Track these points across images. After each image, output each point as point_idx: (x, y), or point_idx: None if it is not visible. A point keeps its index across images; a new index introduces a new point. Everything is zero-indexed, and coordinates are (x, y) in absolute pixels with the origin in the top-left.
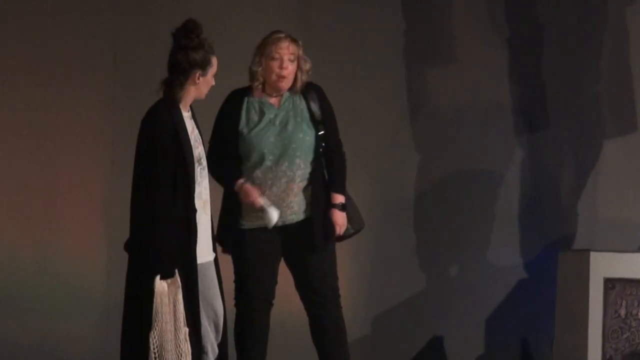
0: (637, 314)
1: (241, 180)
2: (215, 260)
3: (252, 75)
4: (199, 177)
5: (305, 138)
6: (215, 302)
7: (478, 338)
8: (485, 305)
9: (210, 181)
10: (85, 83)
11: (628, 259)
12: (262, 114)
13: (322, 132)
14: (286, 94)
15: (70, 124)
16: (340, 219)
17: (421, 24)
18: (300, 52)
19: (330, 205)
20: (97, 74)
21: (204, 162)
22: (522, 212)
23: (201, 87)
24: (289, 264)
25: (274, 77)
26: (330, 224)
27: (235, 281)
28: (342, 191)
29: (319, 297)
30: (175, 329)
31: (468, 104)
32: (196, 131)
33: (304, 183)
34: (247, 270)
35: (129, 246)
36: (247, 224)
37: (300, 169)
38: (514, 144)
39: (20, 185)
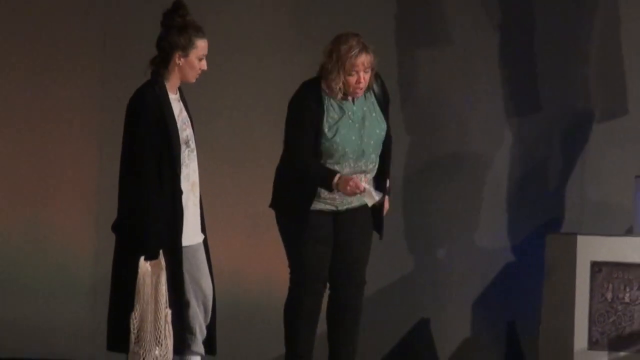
0: (623, 298)
1: (335, 179)
2: (205, 241)
3: (329, 86)
4: (186, 159)
5: (381, 134)
6: (204, 284)
7: (465, 321)
8: (472, 288)
9: (200, 164)
10: (74, 69)
11: (615, 242)
12: (341, 111)
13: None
14: None
15: (58, 107)
16: (387, 204)
17: (411, 7)
18: (373, 58)
19: (383, 190)
20: (85, 60)
21: (193, 145)
22: (510, 195)
23: (185, 69)
24: (335, 244)
25: (351, 89)
26: (381, 209)
27: (291, 261)
28: (389, 178)
29: (351, 280)
30: (156, 311)
31: (457, 88)
32: (184, 113)
33: (373, 174)
34: (307, 253)
35: (116, 227)
36: (312, 206)
37: (374, 163)
38: (503, 128)
39: (10, 168)
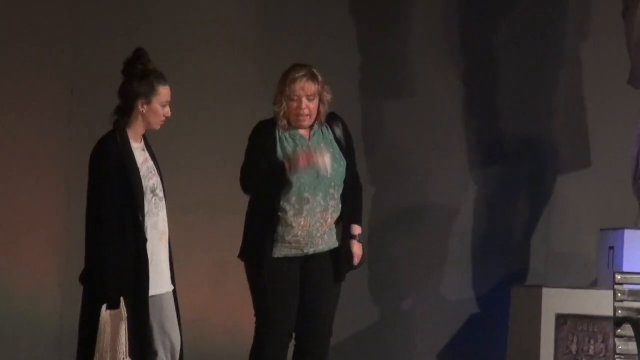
0: (588, 351)
1: (286, 164)
2: (174, 292)
3: (276, 115)
4: (154, 208)
5: (340, 169)
6: (173, 334)
7: None
8: (438, 339)
9: (169, 212)
10: (42, 113)
11: (580, 295)
12: (294, 144)
13: (346, 162)
14: (315, 127)
15: (25, 153)
16: (358, 251)
17: (379, 56)
18: (319, 87)
19: (350, 236)
20: (53, 103)
21: (161, 193)
22: (475, 247)
23: (149, 116)
24: (302, 295)
25: (293, 116)
26: (350, 255)
27: (256, 311)
28: (359, 222)
29: (316, 331)
30: (116, 359)
31: (421, 138)
32: (150, 162)
33: (336, 214)
34: (269, 302)
35: (83, 278)
36: (276, 252)
37: (334, 200)
38: (468, 179)
39: None
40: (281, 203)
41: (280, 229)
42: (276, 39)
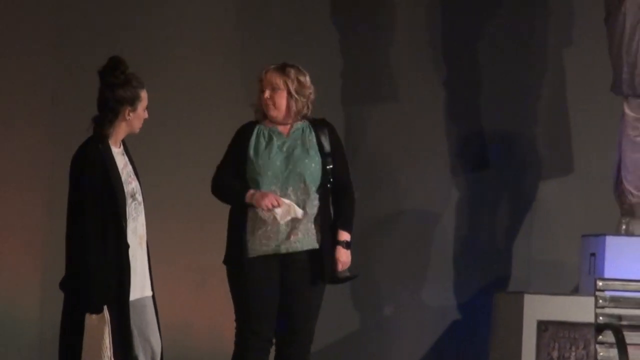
0: (569, 357)
1: (251, 191)
2: (153, 297)
3: (255, 109)
4: (133, 213)
5: (311, 164)
6: (153, 339)
7: None
8: (419, 345)
9: (150, 217)
10: (22, 120)
11: (561, 301)
12: (270, 140)
13: (330, 166)
14: (297, 125)
15: (5, 159)
16: (343, 257)
17: (362, 61)
18: (288, 81)
19: (336, 242)
20: (34, 110)
21: (140, 198)
22: (458, 252)
23: (133, 122)
24: (281, 293)
25: (262, 107)
26: (333, 261)
27: (237, 316)
28: (349, 229)
29: (296, 337)
30: None
31: (406, 144)
32: (129, 167)
33: (312, 210)
34: (249, 306)
35: (63, 284)
36: (251, 251)
37: (305, 194)
38: (451, 184)
39: None
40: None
41: (249, 224)
42: (259, 44)
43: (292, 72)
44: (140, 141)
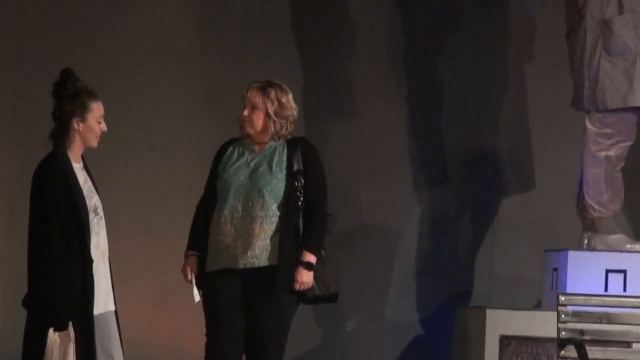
0: None
1: (191, 253)
2: (116, 311)
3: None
4: (96, 227)
5: (273, 180)
6: (115, 354)
7: None
8: None
9: (112, 233)
10: None
11: (524, 316)
12: (242, 156)
13: (299, 184)
14: (272, 143)
15: None
16: (301, 277)
17: (322, 76)
18: (267, 102)
19: (297, 261)
20: None
21: (101, 212)
22: (420, 267)
23: (85, 134)
24: (243, 309)
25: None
26: (290, 278)
27: (206, 329)
28: (312, 250)
29: (262, 351)
30: None
31: (367, 159)
32: (89, 182)
33: (270, 227)
34: (214, 320)
35: (26, 302)
36: (210, 265)
37: (264, 211)
38: (413, 200)
39: None
40: (217, 210)
41: (210, 237)
42: (218, 58)
43: (273, 93)
44: (101, 155)
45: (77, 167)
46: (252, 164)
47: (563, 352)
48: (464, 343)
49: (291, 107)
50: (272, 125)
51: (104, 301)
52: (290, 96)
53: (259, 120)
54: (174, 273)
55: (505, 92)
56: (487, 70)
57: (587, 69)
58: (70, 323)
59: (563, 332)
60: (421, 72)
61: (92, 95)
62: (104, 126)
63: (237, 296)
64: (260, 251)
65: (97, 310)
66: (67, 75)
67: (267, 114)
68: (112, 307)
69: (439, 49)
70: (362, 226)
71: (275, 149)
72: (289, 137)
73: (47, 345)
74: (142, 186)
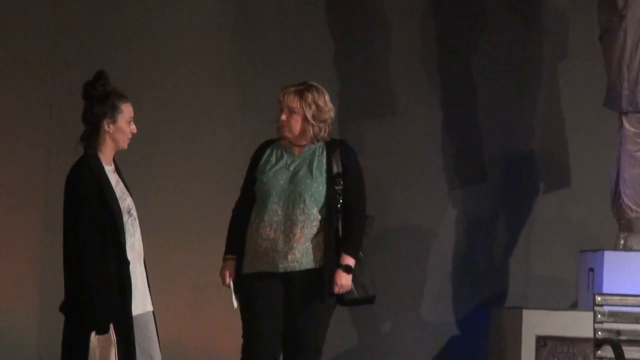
0: None
1: (230, 256)
2: (153, 312)
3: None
4: (130, 229)
5: (313, 184)
6: (154, 355)
7: None
8: None
9: (147, 235)
10: (20, 136)
11: (560, 317)
12: (280, 158)
13: (339, 187)
14: (310, 146)
15: (4, 175)
16: (341, 280)
17: (357, 79)
18: (304, 105)
19: (337, 264)
20: (32, 128)
21: (135, 214)
22: (455, 268)
23: (116, 135)
24: (282, 311)
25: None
26: (331, 282)
27: (243, 332)
28: (351, 253)
29: (300, 353)
30: None
31: (402, 160)
32: (121, 184)
33: (311, 231)
34: (252, 321)
35: (64, 308)
36: (248, 268)
37: (305, 215)
38: (448, 200)
39: None
40: (252, 214)
41: (248, 241)
42: (255, 59)
43: (310, 97)
44: (137, 157)
45: (109, 169)
46: (291, 167)
47: (599, 352)
48: (500, 344)
49: (329, 109)
50: (310, 129)
51: (142, 302)
52: (327, 97)
53: (296, 125)
54: (210, 274)
55: (539, 92)
56: (522, 70)
57: (627, 70)
58: (111, 325)
59: (599, 333)
60: (455, 72)
61: (122, 96)
62: (134, 127)
63: (275, 299)
64: (301, 255)
65: (135, 311)
66: (97, 77)
67: (305, 118)
68: (150, 308)
69: (473, 50)
70: (398, 227)
71: (314, 151)
72: (328, 139)
73: (90, 349)
74: (177, 187)
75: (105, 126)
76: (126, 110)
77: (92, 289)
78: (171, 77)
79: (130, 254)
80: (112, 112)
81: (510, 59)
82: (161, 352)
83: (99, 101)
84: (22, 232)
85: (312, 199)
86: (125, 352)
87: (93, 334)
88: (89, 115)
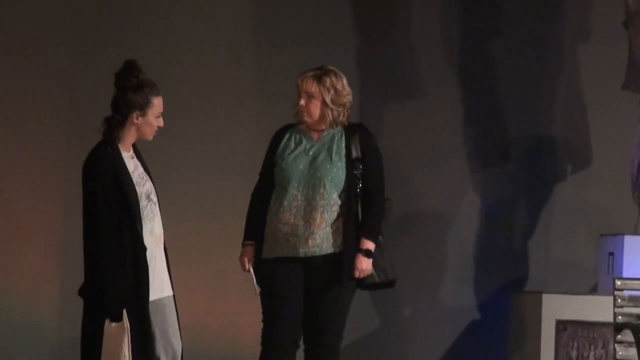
0: (588, 356)
1: (249, 242)
2: (173, 296)
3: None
4: (150, 213)
5: (333, 169)
6: (174, 339)
7: None
8: (438, 345)
9: (165, 219)
10: (41, 122)
11: (580, 301)
12: (299, 143)
13: (358, 171)
14: (330, 130)
15: (23, 162)
16: (362, 264)
17: (376, 62)
18: (323, 90)
19: (357, 248)
20: (52, 114)
21: (154, 198)
22: (475, 253)
23: (142, 127)
24: (302, 296)
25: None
26: (351, 266)
27: (263, 317)
28: (371, 237)
29: (321, 337)
30: None
31: (422, 145)
32: (140, 169)
33: (331, 216)
34: (272, 306)
35: (82, 292)
36: (268, 253)
37: (325, 200)
38: (468, 184)
39: None
40: (271, 199)
41: (267, 226)
42: (271, 44)
43: (328, 81)
44: (156, 141)
45: (127, 155)
46: (310, 152)
47: (619, 336)
48: (520, 328)
49: (347, 93)
50: (329, 113)
51: (160, 287)
52: (345, 81)
53: (315, 110)
54: (230, 258)
55: (560, 76)
56: (543, 53)
57: None
58: (125, 313)
59: (619, 317)
60: (476, 56)
61: (155, 89)
62: (161, 122)
63: (296, 283)
64: (321, 239)
65: (155, 296)
66: (131, 66)
67: (324, 103)
68: (169, 292)
69: (494, 33)
70: (417, 212)
71: (333, 136)
72: (346, 123)
73: (104, 335)
74: (197, 171)
75: (134, 118)
76: (157, 104)
77: (106, 276)
78: (191, 59)
79: (149, 239)
80: (143, 105)
81: (531, 42)
82: (182, 337)
83: (132, 92)
84: (43, 218)
85: (332, 183)
86: (139, 339)
87: (107, 320)
88: (120, 104)
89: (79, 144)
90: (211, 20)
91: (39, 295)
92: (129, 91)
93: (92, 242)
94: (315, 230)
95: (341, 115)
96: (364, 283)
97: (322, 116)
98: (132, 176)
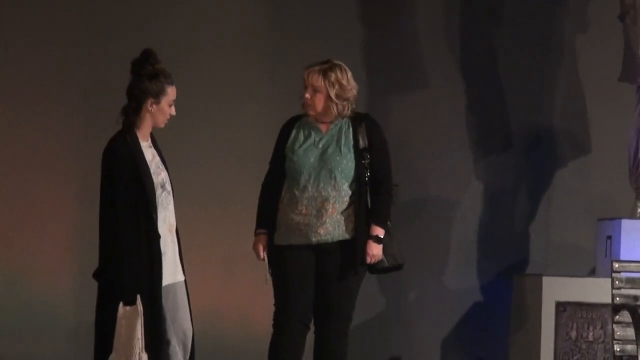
0: (587, 337)
1: (262, 230)
2: (185, 281)
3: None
4: (164, 202)
5: (343, 161)
6: (185, 324)
7: (435, 358)
8: (441, 327)
9: (177, 207)
10: (56, 113)
11: (579, 283)
12: (309, 136)
13: (366, 161)
14: (337, 122)
15: (40, 152)
16: (373, 250)
17: (381, 52)
18: (327, 83)
19: (368, 235)
20: (68, 103)
21: (169, 187)
22: (478, 237)
23: (156, 115)
24: (313, 280)
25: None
26: (363, 253)
27: (275, 300)
28: (380, 223)
29: (331, 321)
30: (132, 355)
31: (425, 132)
32: (157, 158)
33: (342, 206)
34: (283, 289)
35: (97, 275)
36: (280, 240)
37: (336, 191)
38: (470, 170)
39: None
40: (282, 188)
41: (280, 215)
42: (282, 37)
43: (333, 76)
44: (169, 130)
45: (145, 144)
46: (320, 145)
47: (617, 317)
48: (522, 309)
49: (352, 88)
50: (334, 107)
51: (172, 272)
52: (350, 75)
53: (320, 103)
54: (242, 244)
55: (560, 67)
56: (543, 43)
57: None
58: (138, 297)
59: (617, 298)
60: (479, 46)
61: (169, 78)
62: (173, 110)
63: (307, 268)
64: (332, 227)
65: (167, 281)
66: (147, 55)
67: (329, 97)
68: (181, 278)
69: (496, 24)
70: (423, 198)
71: (340, 127)
72: (352, 114)
73: (117, 319)
74: (209, 161)
75: (149, 105)
76: (170, 93)
77: (121, 260)
78: (201, 50)
79: (162, 227)
80: (158, 93)
81: (533, 35)
82: (194, 322)
83: (147, 79)
84: (60, 203)
85: (343, 175)
86: (151, 323)
87: (121, 304)
88: (136, 91)
89: (95, 133)
90: (224, 11)
91: (56, 280)
92: (144, 78)
93: (108, 228)
94: (327, 220)
95: (345, 109)
96: (374, 268)
97: (327, 109)
98: (149, 165)
